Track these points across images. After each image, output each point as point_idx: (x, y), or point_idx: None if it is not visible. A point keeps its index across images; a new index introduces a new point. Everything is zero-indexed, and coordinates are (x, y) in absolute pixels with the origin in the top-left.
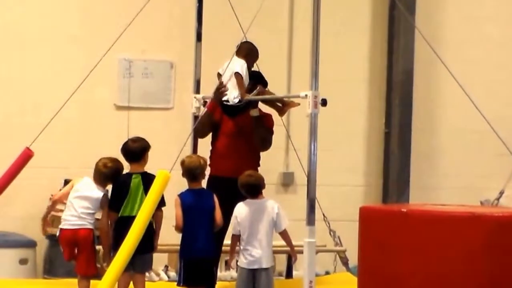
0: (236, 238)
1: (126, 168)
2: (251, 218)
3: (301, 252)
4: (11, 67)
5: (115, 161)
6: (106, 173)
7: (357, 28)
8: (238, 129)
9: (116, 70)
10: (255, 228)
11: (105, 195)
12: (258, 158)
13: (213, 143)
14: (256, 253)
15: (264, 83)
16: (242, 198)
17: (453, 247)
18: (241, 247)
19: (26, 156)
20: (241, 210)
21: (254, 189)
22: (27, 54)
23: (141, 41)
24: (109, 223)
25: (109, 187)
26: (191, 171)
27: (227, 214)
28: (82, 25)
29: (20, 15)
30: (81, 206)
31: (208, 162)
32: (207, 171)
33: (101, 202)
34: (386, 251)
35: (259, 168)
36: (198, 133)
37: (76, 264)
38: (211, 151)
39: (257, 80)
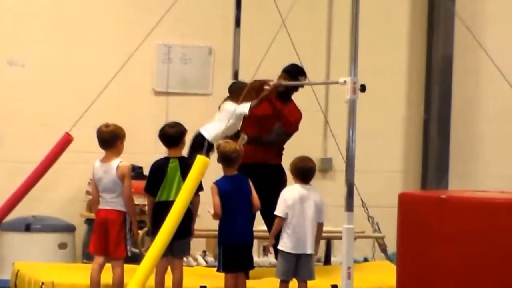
0: (281, 220)
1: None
2: (302, 202)
3: (340, 238)
4: (51, 53)
5: (116, 125)
6: (108, 135)
7: (396, 14)
8: (259, 118)
9: (155, 55)
10: (304, 213)
11: (120, 166)
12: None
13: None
14: (303, 238)
15: None
16: (266, 183)
17: (492, 233)
18: (286, 231)
19: (65, 141)
20: (292, 193)
21: (308, 174)
22: (67, 40)
23: (180, 27)
24: (147, 207)
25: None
26: (227, 156)
27: None
28: (122, 11)
29: (61, 1)
30: (108, 195)
31: None
32: None
33: (118, 173)
34: (425, 237)
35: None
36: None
37: (108, 247)
38: None
39: None
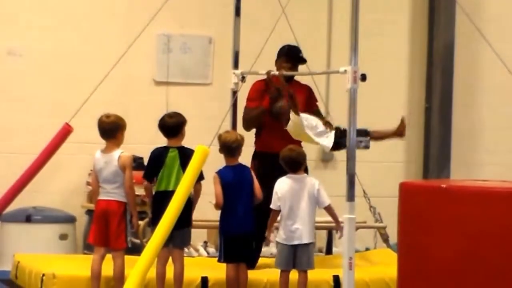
0: (276, 213)
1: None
2: (292, 193)
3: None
4: (50, 43)
5: (117, 115)
6: (109, 125)
7: (397, 2)
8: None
9: (155, 45)
10: (296, 203)
11: (121, 156)
12: None
13: None
14: (296, 229)
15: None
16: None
17: (493, 223)
18: (281, 223)
19: (65, 132)
20: (281, 185)
21: (294, 164)
22: (66, 30)
23: (179, 16)
24: (146, 196)
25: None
26: (228, 145)
27: (272, 189)
28: (122, 1)
29: None
30: (109, 186)
31: (254, 140)
32: (252, 147)
33: (119, 164)
34: (426, 227)
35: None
36: (248, 128)
37: (108, 238)
38: (258, 127)
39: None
